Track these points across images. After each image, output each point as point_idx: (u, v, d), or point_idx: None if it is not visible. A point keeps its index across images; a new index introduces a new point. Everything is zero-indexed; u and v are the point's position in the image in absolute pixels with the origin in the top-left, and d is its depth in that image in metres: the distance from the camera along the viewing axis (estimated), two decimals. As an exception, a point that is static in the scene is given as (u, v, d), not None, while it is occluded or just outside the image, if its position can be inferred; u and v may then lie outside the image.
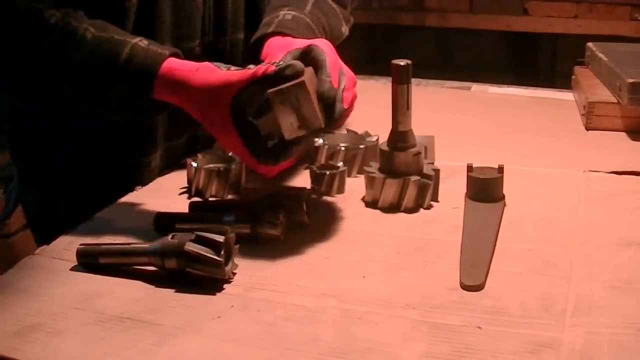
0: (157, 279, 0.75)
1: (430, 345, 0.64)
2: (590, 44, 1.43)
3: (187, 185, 0.97)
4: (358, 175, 0.99)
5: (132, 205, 0.94)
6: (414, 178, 0.90)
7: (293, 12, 0.99)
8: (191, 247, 0.73)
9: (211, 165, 0.96)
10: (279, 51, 0.88)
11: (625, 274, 0.75)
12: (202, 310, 0.70)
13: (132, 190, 0.98)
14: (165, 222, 0.84)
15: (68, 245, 0.82)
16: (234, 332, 0.66)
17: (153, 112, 0.91)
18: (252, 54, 0.97)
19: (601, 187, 0.97)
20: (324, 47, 0.85)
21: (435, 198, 0.92)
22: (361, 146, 1.01)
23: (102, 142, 1.03)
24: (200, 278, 0.73)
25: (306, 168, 1.00)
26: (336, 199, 0.94)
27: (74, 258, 0.78)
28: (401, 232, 0.85)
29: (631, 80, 1.14)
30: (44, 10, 0.87)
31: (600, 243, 0.82)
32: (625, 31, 2.75)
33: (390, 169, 0.91)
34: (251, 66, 0.83)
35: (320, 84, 0.81)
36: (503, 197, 0.90)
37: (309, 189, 0.94)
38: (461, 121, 1.26)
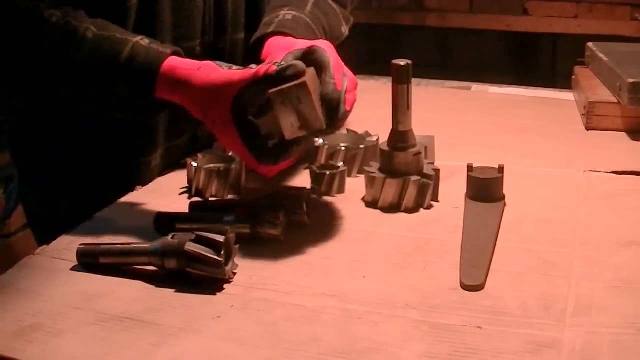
0: (157, 279, 0.75)
1: (431, 345, 0.64)
2: (590, 44, 1.43)
3: (187, 185, 0.97)
4: (358, 175, 0.99)
5: (132, 205, 0.94)
6: (414, 178, 0.90)
7: (293, 12, 0.99)
8: (191, 247, 0.73)
9: (211, 165, 0.96)
10: (279, 51, 0.88)
11: (625, 274, 0.75)
12: (202, 310, 0.70)
13: (132, 190, 0.98)
14: (165, 222, 0.84)
15: (68, 245, 0.82)
16: (234, 332, 0.66)
17: (154, 111, 0.91)
18: (252, 54, 0.97)
19: (601, 187, 0.97)
20: (327, 49, 0.85)
21: (435, 198, 0.92)
22: (361, 146, 1.01)
23: (102, 142, 1.03)
24: (200, 278, 0.73)
25: (306, 168, 1.00)
26: (336, 199, 0.94)
27: (74, 258, 0.78)
28: (401, 232, 0.85)
29: (631, 80, 1.14)
30: (45, 10, 0.87)
31: (600, 243, 0.82)
32: (625, 31, 2.75)
33: (390, 169, 0.91)
34: (253, 66, 0.83)
35: (324, 85, 0.81)
36: (503, 197, 0.90)
37: (309, 189, 0.94)
38: (461, 121, 1.26)
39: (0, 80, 0.93)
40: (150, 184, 1.01)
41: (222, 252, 0.73)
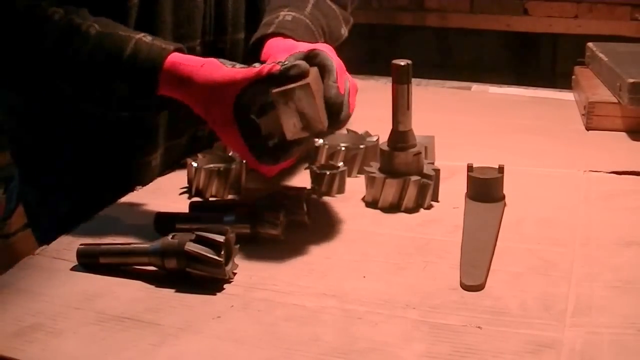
0: (157, 279, 0.75)
1: (431, 345, 0.64)
2: (590, 44, 1.43)
3: (187, 185, 0.97)
4: (358, 175, 0.99)
5: (132, 205, 0.94)
6: (414, 178, 0.90)
7: (293, 13, 0.99)
8: (191, 247, 0.73)
9: (211, 165, 0.96)
10: (280, 53, 0.88)
11: (625, 274, 0.75)
12: (202, 310, 0.70)
13: (132, 190, 0.98)
14: (165, 222, 0.84)
15: (68, 245, 0.82)
16: (234, 332, 0.66)
17: (156, 108, 0.91)
18: (252, 54, 0.97)
19: (601, 187, 0.97)
20: (329, 52, 0.85)
21: (435, 198, 0.92)
22: (361, 146, 1.01)
23: (102, 142, 1.03)
24: (200, 278, 0.73)
25: (306, 168, 1.00)
26: (336, 199, 0.94)
27: (74, 258, 0.78)
28: (401, 232, 0.85)
29: (631, 80, 1.14)
30: (46, 8, 0.87)
31: (600, 243, 0.82)
32: (625, 31, 2.76)
33: (390, 169, 0.91)
34: (256, 64, 0.83)
35: (327, 89, 0.81)
36: (503, 197, 0.90)
37: (309, 189, 0.94)
38: (461, 121, 1.26)
39: (1, 80, 0.93)
40: (150, 184, 1.01)
41: (222, 252, 0.73)
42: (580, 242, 0.82)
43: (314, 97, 0.78)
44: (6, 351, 0.63)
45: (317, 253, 0.81)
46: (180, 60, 0.86)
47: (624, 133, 1.18)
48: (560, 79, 1.97)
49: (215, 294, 0.73)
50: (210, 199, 0.94)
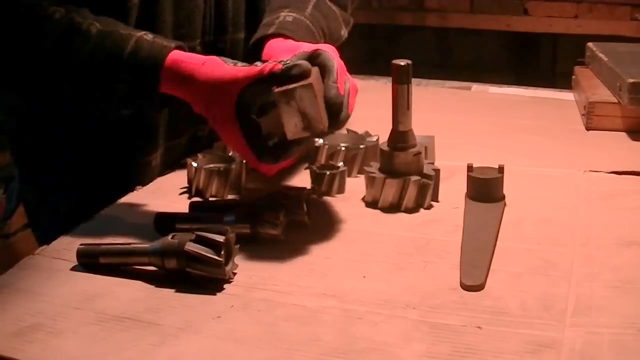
0: (157, 279, 0.75)
1: (431, 345, 0.64)
2: (590, 44, 1.43)
3: (187, 185, 0.97)
4: (358, 175, 0.99)
5: (132, 205, 0.94)
6: (414, 178, 0.90)
7: (294, 14, 0.99)
8: (191, 247, 0.73)
9: (211, 165, 0.96)
10: (281, 54, 0.88)
11: (625, 274, 0.75)
12: (202, 310, 0.70)
13: (132, 190, 0.98)
14: (165, 222, 0.84)
15: (68, 245, 0.82)
16: (234, 332, 0.66)
17: (157, 106, 0.91)
18: (252, 55, 0.97)
19: (601, 187, 0.97)
20: (330, 53, 0.85)
21: (435, 198, 0.92)
22: (361, 146, 1.01)
23: (102, 142, 1.03)
24: (200, 278, 0.73)
25: (306, 168, 1.00)
26: (336, 199, 0.94)
27: (74, 258, 0.78)
28: (401, 232, 0.85)
29: (631, 80, 1.14)
30: (47, 7, 0.87)
31: (600, 243, 0.82)
32: (625, 31, 2.76)
33: (390, 169, 0.91)
34: (258, 63, 0.83)
35: (327, 89, 0.81)
36: (503, 197, 0.90)
37: (309, 189, 0.94)
38: (461, 121, 1.26)
39: (1, 80, 0.93)
40: (150, 184, 1.01)
41: (222, 252, 0.73)
42: (580, 242, 0.82)
43: (315, 97, 0.78)
44: (6, 351, 0.63)
45: (317, 253, 0.81)
46: (181, 57, 0.86)
47: (624, 133, 1.18)
48: (560, 79, 1.97)
49: (215, 294, 0.73)
50: (210, 199, 0.94)
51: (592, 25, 2.82)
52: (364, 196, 0.93)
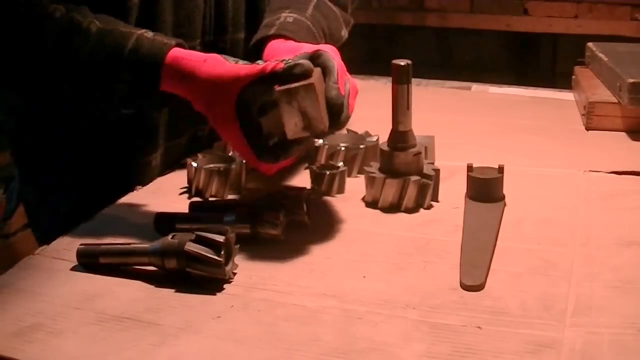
0: (157, 279, 0.75)
1: (431, 345, 0.64)
2: (590, 44, 1.43)
3: (187, 185, 0.97)
4: (358, 175, 0.99)
5: (132, 205, 0.94)
6: (414, 178, 0.90)
7: (294, 15, 0.99)
8: (191, 247, 0.73)
9: (211, 165, 0.96)
10: (282, 54, 0.88)
11: (625, 274, 0.75)
12: (202, 310, 0.70)
13: (132, 190, 0.98)
14: (165, 222, 0.84)
15: (68, 245, 0.82)
16: (234, 332, 0.66)
17: (158, 104, 0.91)
18: (252, 55, 0.97)
19: (601, 187, 0.97)
20: (331, 53, 0.85)
21: (435, 198, 0.92)
22: (361, 146, 1.01)
23: (102, 142, 1.03)
24: (200, 278, 0.73)
25: (306, 168, 1.00)
26: (336, 199, 0.94)
27: (74, 258, 0.78)
28: (401, 232, 0.85)
29: (631, 80, 1.14)
30: (47, 6, 0.87)
31: (600, 243, 0.82)
32: (625, 31, 2.76)
33: (390, 169, 0.91)
34: (259, 62, 0.83)
35: (328, 90, 0.81)
36: (503, 197, 0.90)
37: (309, 189, 0.94)
38: (461, 121, 1.26)
39: (1, 80, 0.93)
40: (150, 184, 1.01)
41: (222, 252, 0.73)
42: (580, 242, 0.82)
43: (317, 97, 0.78)
44: (6, 351, 0.63)
45: (317, 253, 0.81)
46: (182, 55, 0.86)
47: (624, 133, 1.18)
48: (560, 79, 1.97)
49: (215, 294, 0.73)
50: (210, 199, 0.94)
51: (592, 25, 2.82)
52: (364, 196, 0.93)
